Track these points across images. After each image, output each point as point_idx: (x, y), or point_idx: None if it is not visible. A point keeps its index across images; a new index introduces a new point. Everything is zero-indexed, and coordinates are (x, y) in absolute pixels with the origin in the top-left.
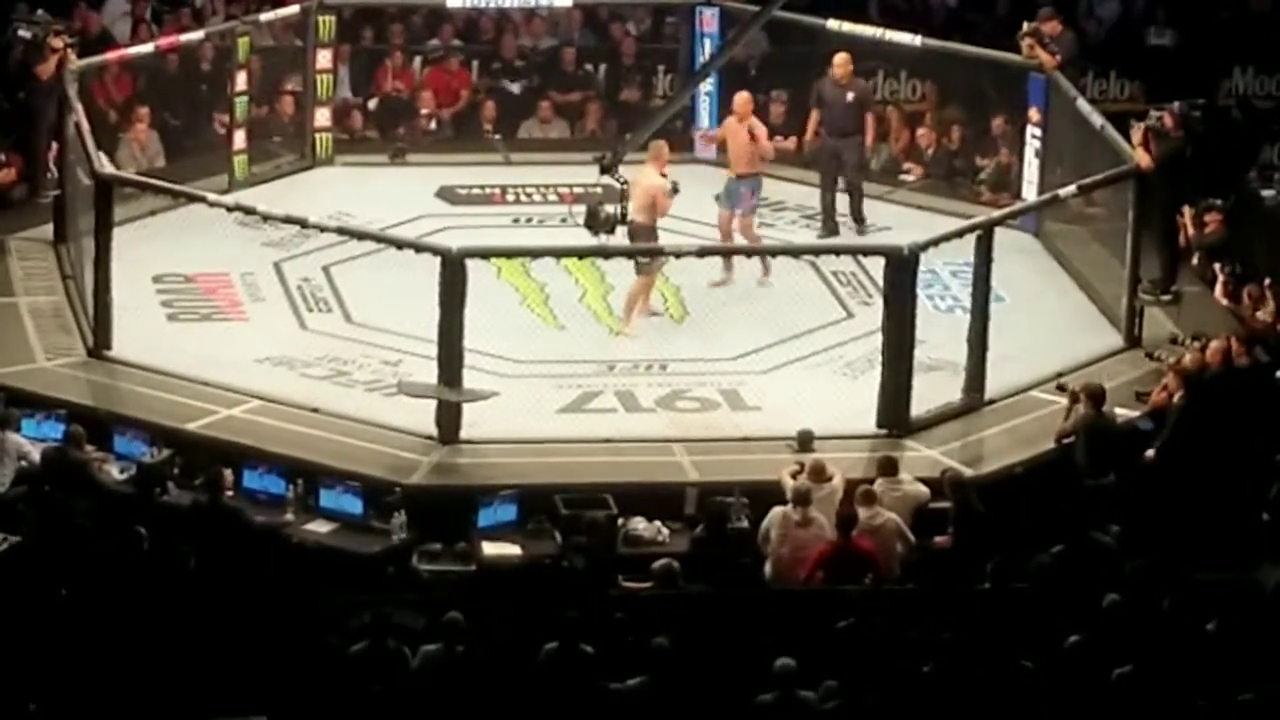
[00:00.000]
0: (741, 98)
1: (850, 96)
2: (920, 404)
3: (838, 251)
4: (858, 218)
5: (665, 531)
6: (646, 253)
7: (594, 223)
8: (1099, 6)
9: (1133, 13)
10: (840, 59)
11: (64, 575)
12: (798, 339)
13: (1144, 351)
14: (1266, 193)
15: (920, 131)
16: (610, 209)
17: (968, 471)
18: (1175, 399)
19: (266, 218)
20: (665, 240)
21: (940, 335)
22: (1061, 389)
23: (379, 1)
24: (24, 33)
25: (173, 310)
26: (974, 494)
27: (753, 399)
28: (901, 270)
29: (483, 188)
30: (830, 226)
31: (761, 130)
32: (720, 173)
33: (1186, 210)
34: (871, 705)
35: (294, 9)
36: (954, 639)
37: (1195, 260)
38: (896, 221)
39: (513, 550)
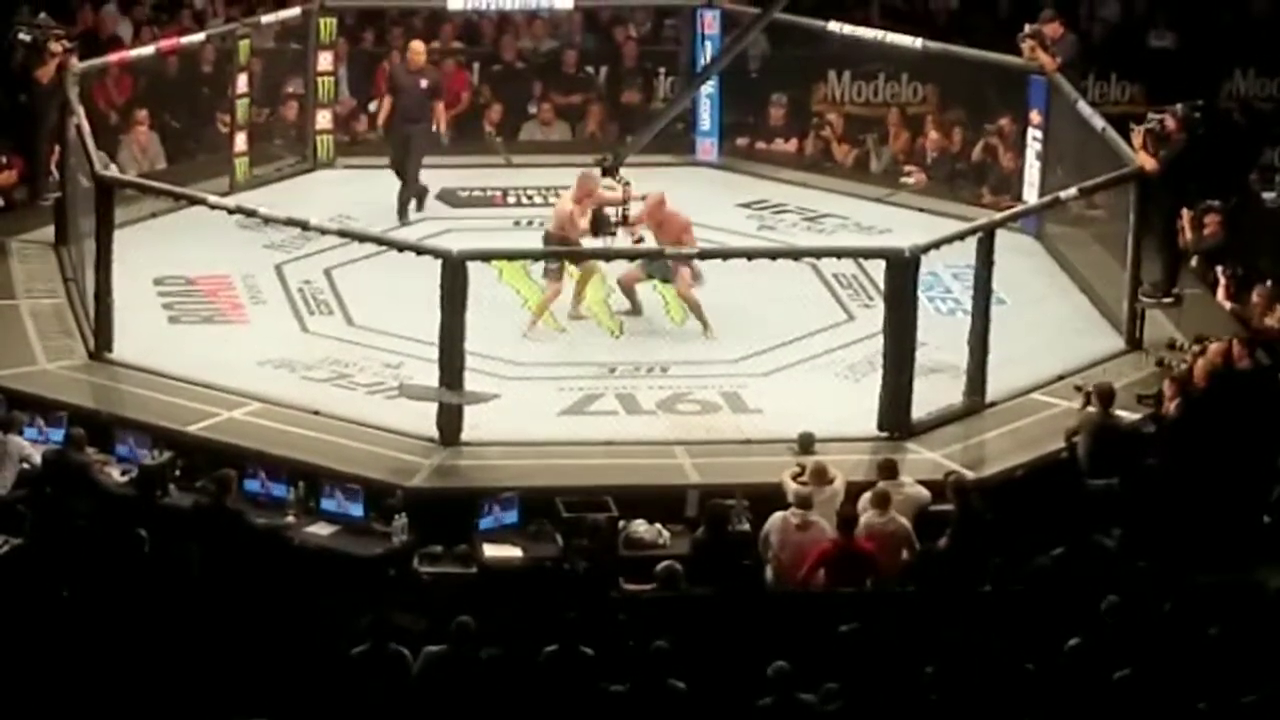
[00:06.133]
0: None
1: (424, 84)
2: (921, 406)
3: (838, 254)
4: (403, 208)
5: (666, 534)
6: (649, 255)
7: (596, 225)
8: (1100, 8)
9: (1134, 15)
10: (416, 46)
11: (65, 577)
12: (799, 341)
13: (1154, 359)
14: (1268, 195)
15: (932, 136)
16: (612, 211)
17: (969, 474)
18: (1172, 406)
19: (268, 220)
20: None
21: (941, 337)
22: (1078, 389)
23: (380, 4)
24: (24, 36)
25: (174, 313)
26: (977, 500)
27: (754, 401)
28: (903, 272)
29: (484, 190)
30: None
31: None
32: (725, 176)
33: (1185, 213)
34: (873, 707)
35: (295, 11)
36: (956, 641)
37: (1195, 263)
38: (897, 224)
39: (514, 552)
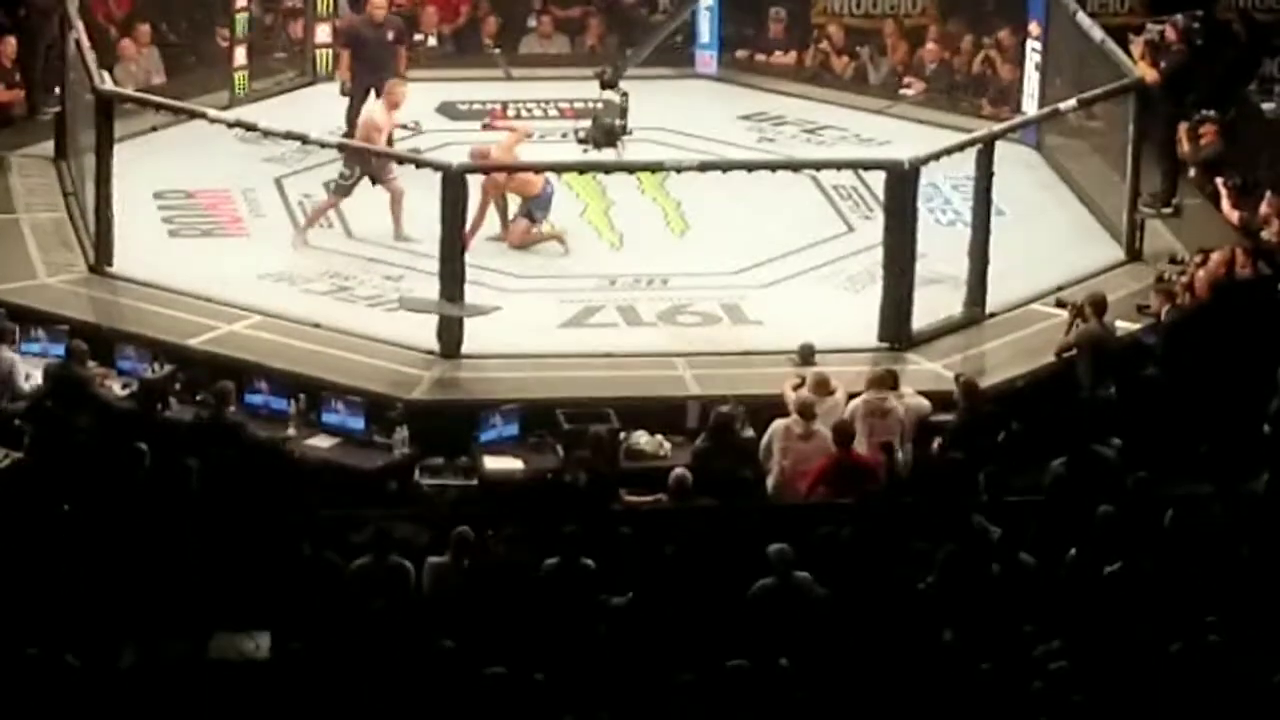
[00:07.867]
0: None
1: (390, 35)
2: (921, 317)
3: (838, 166)
4: None
5: (667, 445)
6: (645, 168)
7: (595, 137)
8: None
9: None
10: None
11: (65, 491)
12: (799, 253)
13: (1155, 273)
14: (1267, 105)
15: (931, 48)
16: (611, 122)
17: None
18: (1163, 314)
19: (267, 134)
20: (665, 154)
21: (941, 249)
22: (1060, 304)
23: None
24: None
25: (174, 226)
26: (985, 401)
27: (754, 313)
28: (902, 184)
29: (484, 103)
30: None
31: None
32: (724, 88)
33: (1182, 125)
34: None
35: None
36: (955, 550)
37: (1193, 174)
38: (897, 135)
39: (514, 465)
